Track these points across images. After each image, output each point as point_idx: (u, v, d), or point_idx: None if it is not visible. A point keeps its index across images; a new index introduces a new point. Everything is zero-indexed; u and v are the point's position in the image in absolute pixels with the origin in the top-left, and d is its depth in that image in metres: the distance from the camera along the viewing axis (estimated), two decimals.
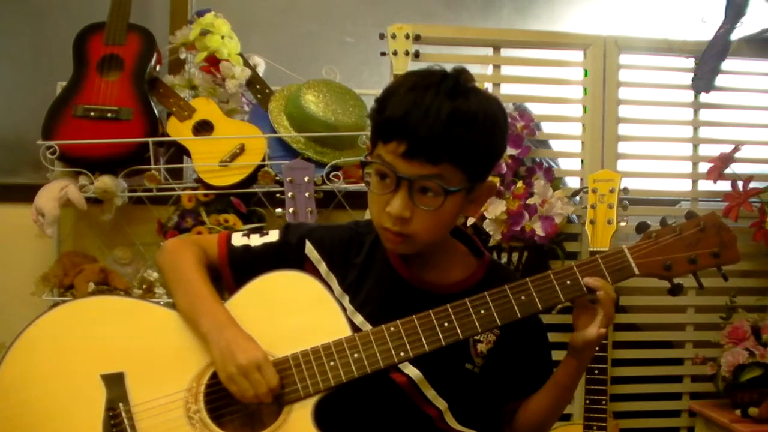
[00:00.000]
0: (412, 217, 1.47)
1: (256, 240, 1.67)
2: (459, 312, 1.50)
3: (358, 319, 1.58)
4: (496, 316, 1.50)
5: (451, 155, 1.42)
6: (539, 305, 1.51)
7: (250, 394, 1.43)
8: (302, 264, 1.64)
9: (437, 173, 1.43)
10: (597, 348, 2.34)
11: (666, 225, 1.55)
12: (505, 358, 1.63)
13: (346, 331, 1.51)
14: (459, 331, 1.49)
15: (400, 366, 1.55)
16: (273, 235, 1.68)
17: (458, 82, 1.45)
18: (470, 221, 2.65)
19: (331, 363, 1.48)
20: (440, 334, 1.49)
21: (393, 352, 1.48)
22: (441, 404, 1.57)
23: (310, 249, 1.65)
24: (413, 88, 1.44)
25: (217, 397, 1.49)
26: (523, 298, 1.51)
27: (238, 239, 1.68)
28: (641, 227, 1.57)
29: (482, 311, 1.50)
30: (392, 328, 1.50)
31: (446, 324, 1.49)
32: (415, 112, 1.40)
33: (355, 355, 1.48)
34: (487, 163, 1.52)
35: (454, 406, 1.58)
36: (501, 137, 1.52)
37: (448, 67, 1.51)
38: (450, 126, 1.40)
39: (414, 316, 1.50)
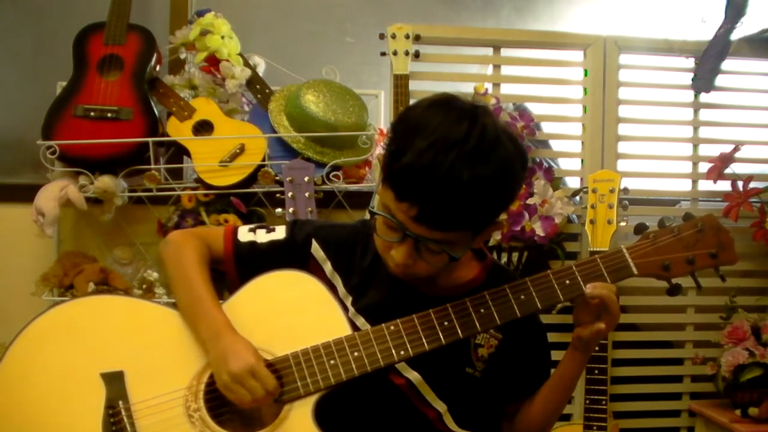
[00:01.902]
0: (415, 264, 1.46)
1: (262, 236, 1.67)
2: (459, 311, 1.50)
3: (360, 321, 1.58)
4: (495, 315, 1.50)
5: (463, 223, 1.40)
6: (539, 304, 1.51)
7: (248, 399, 1.44)
8: (307, 262, 1.64)
9: (446, 239, 1.41)
10: (597, 348, 2.38)
11: (664, 226, 1.55)
12: (507, 362, 1.63)
13: (347, 331, 1.52)
14: (459, 330, 1.49)
15: (400, 369, 1.56)
16: (280, 232, 1.67)
17: (482, 139, 1.36)
18: None
19: (332, 361, 1.48)
20: (440, 333, 1.49)
21: (393, 351, 1.49)
22: (440, 406, 1.57)
23: (315, 248, 1.65)
24: (434, 145, 1.34)
25: (217, 395, 1.49)
26: (522, 297, 1.51)
27: (244, 234, 1.67)
28: (639, 228, 1.57)
29: (482, 310, 1.50)
30: (392, 327, 1.50)
31: (446, 323, 1.50)
32: (433, 177, 1.33)
33: (355, 354, 1.49)
34: (499, 214, 1.48)
35: (453, 408, 1.59)
36: (517, 186, 1.47)
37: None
38: (467, 196, 1.35)
39: (414, 315, 1.50)
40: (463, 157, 1.33)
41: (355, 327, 1.54)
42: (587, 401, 2.45)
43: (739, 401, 2.69)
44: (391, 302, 1.58)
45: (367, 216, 1.65)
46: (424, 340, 1.49)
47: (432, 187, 1.34)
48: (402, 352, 1.48)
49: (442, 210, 1.36)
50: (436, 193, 1.34)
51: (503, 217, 2.59)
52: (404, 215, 1.39)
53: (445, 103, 1.42)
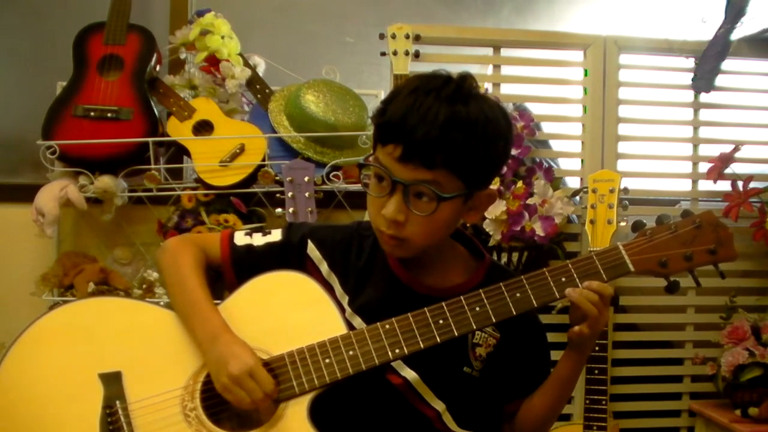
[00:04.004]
0: (406, 221, 1.47)
1: (258, 239, 1.68)
2: (454, 309, 1.50)
3: (357, 321, 1.58)
4: (491, 312, 1.50)
5: (447, 161, 1.42)
6: (534, 302, 1.51)
7: (247, 401, 1.44)
8: (304, 264, 1.65)
9: (432, 179, 1.43)
10: (597, 348, 2.38)
11: (662, 223, 1.55)
12: (505, 361, 1.63)
13: (342, 330, 1.52)
14: (454, 328, 1.49)
15: (397, 368, 1.56)
16: (276, 235, 1.68)
17: (460, 87, 1.44)
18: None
19: (326, 360, 1.49)
20: (435, 332, 1.49)
21: (388, 349, 1.49)
22: (439, 405, 1.57)
23: (311, 249, 1.66)
24: (414, 91, 1.44)
25: (214, 394, 1.49)
26: (518, 295, 1.51)
27: (240, 238, 1.68)
28: (637, 225, 1.57)
29: (477, 308, 1.50)
30: (387, 326, 1.50)
31: (441, 321, 1.50)
32: (413, 115, 1.40)
33: (350, 352, 1.49)
34: (486, 170, 1.51)
35: (452, 408, 1.59)
36: (503, 145, 1.50)
37: (450, 68, 1.51)
38: (446, 131, 1.39)
39: (409, 314, 1.50)
40: (442, 98, 1.42)
41: (351, 327, 1.55)
42: (587, 401, 2.45)
43: (739, 401, 2.68)
44: (388, 302, 1.58)
45: (367, 216, 1.64)
46: (419, 339, 1.49)
47: (412, 123, 1.40)
48: (397, 351, 1.49)
49: (423, 144, 1.40)
50: (415, 128, 1.40)
51: (503, 216, 2.62)
52: (390, 158, 1.44)
53: (426, 73, 1.51)
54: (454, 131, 1.40)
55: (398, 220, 1.46)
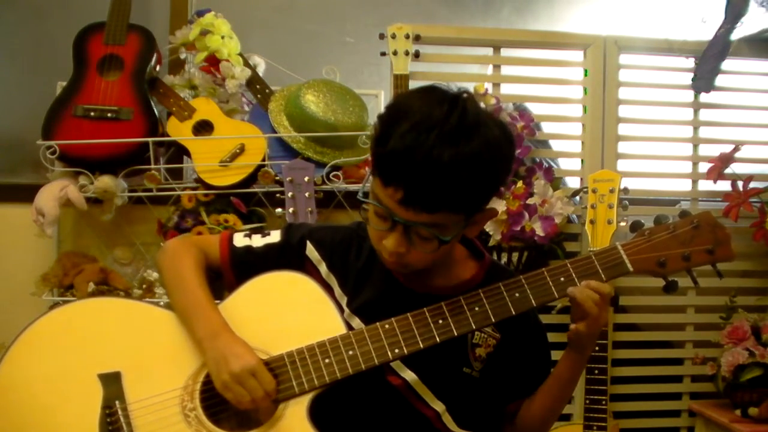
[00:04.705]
0: (408, 252, 1.46)
1: (257, 241, 1.68)
2: (453, 309, 1.51)
3: (356, 321, 1.58)
4: (490, 312, 1.50)
5: (449, 205, 1.40)
6: (533, 302, 1.51)
7: (247, 399, 1.44)
8: (303, 265, 1.65)
9: (433, 222, 1.41)
10: (597, 348, 2.38)
11: (660, 223, 1.55)
12: (505, 361, 1.63)
13: (342, 330, 1.52)
14: (453, 327, 1.50)
15: (397, 369, 1.56)
16: (275, 236, 1.69)
17: (463, 117, 1.38)
18: None
19: (326, 360, 1.49)
20: (435, 331, 1.49)
21: (387, 349, 1.49)
22: (438, 406, 1.58)
23: (310, 250, 1.66)
24: (415, 127, 1.36)
25: (213, 394, 1.50)
26: (517, 294, 1.51)
27: (239, 240, 1.69)
28: (635, 226, 1.57)
29: (476, 308, 1.50)
30: (387, 326, 1.50)
31: (440, 321, 1.50)
32: (415, 158, 1.35)
33: (350, 352, 1.49)
34: (488, 196, 1.49)
35: (452, 408, 1.59)
36: (505, 168, 1.48)
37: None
38: (449, 175, 1.35)
39: (409, 314, 1.51)
40: (444, 136, 1.35)
41: (350, 328, 1.55)
42: (587, 401, 2.45)
43: (739, 401, 2.68)
44: (387, 302, 1.58)
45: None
46: (418, 338, 1.49)
47: (414, 168, 1.35)
48: (396, 350, 1.49)
49: (426, 191, 1.37)
50: (418, 175, 1.35)
51: (503, 216, 2.62)
52: (391, 200, 1.40)
53: (429, 89, 1.45)
54: (457, 173, 1.36)
55: (400, 252, 1.46)
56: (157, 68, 2.75)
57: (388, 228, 1.45)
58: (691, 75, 2.91)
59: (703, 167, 2.92)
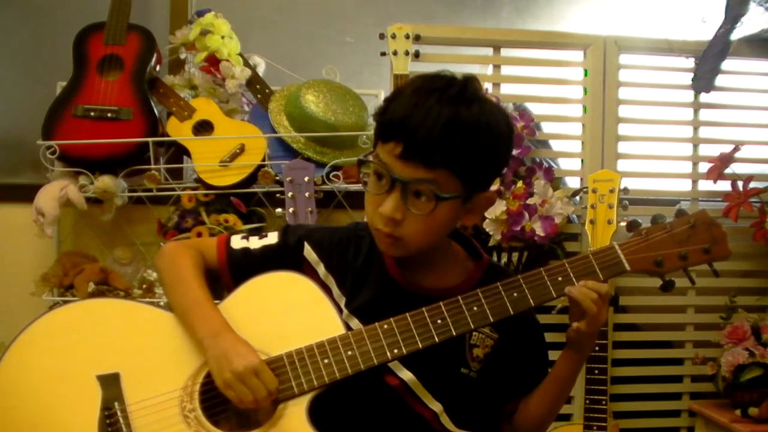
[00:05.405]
0: (403, 219, 1.46)
1: (255, 242, 1.68)
2: (451, 309, 1.50)
3: (354, 322, 1.58)
4: (488, 312, 1.50)
5: (447, 161, 1.42)
6: (531, 302, 1.51)
7: (249, 399, 1.44)
8: (301, 266, 1.64)
9: (431, 178, 1.42)
10: (597, 348, 2.38)
11: (657, 223, 1.56)
12: (503, 361, 1.63)
13: (340, 331, 1.52)
14: (452, 327, 1.49)
15: (394, 370, 1.56)
16: (272, 237, 1.68)
17: (464, 89, 1.44)
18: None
19: (325, 360, 1.49)
20: (433, 331, 1.49)
21: (386, 349, 1.49)
22: (436, 407, 1.57)
23: (308, 251, 1.65)
24: (417, 91, 1.44)
25: (213, 395, 1.50)
26: (515, 294, 1.51)
27: (237, 242, 1.68)
28: (632, 225, 1.58)
29: (475, 308, 1.50)
30: (386, 326, 1.50)
31: (439, 321, 1.50)
32: (415, 114, 1.40)
33: (349, 353, 1.49)
34: (486, 173, 1.52)
35: (449, 408, 1.58)
36: (504, 149, 1.52)
37: (450, 68, 1.51)
38: (448, 132, 1.40)
39: (407, 313, 1.50)
40: (444, 100, 1.42)
41: (349, 328, 1.55)
42: (587, 401, 2.45)
43: (739, 401, 2.68)
44: (385, 303, 1.57)
45: (365, 219, 1.64)
46: (417, 339, 1.49)
47: (414, 122, 1.40)
48: (395, 351, 1.49)
49: (424, 143, 1.40)
50: (417, 127, 1.40)
51: (503, 216, 2.62)
52: (390, 156, 1.44)
53: (430, 73, 1.51)
54: (455, 132, 1.40)
55: (395, 218, 1.46)
56: (157, 68, 2.76)
57: (387, 189, 1.46)
58: (691, 75, 2.91)
59: (703, 167, 2.92)
